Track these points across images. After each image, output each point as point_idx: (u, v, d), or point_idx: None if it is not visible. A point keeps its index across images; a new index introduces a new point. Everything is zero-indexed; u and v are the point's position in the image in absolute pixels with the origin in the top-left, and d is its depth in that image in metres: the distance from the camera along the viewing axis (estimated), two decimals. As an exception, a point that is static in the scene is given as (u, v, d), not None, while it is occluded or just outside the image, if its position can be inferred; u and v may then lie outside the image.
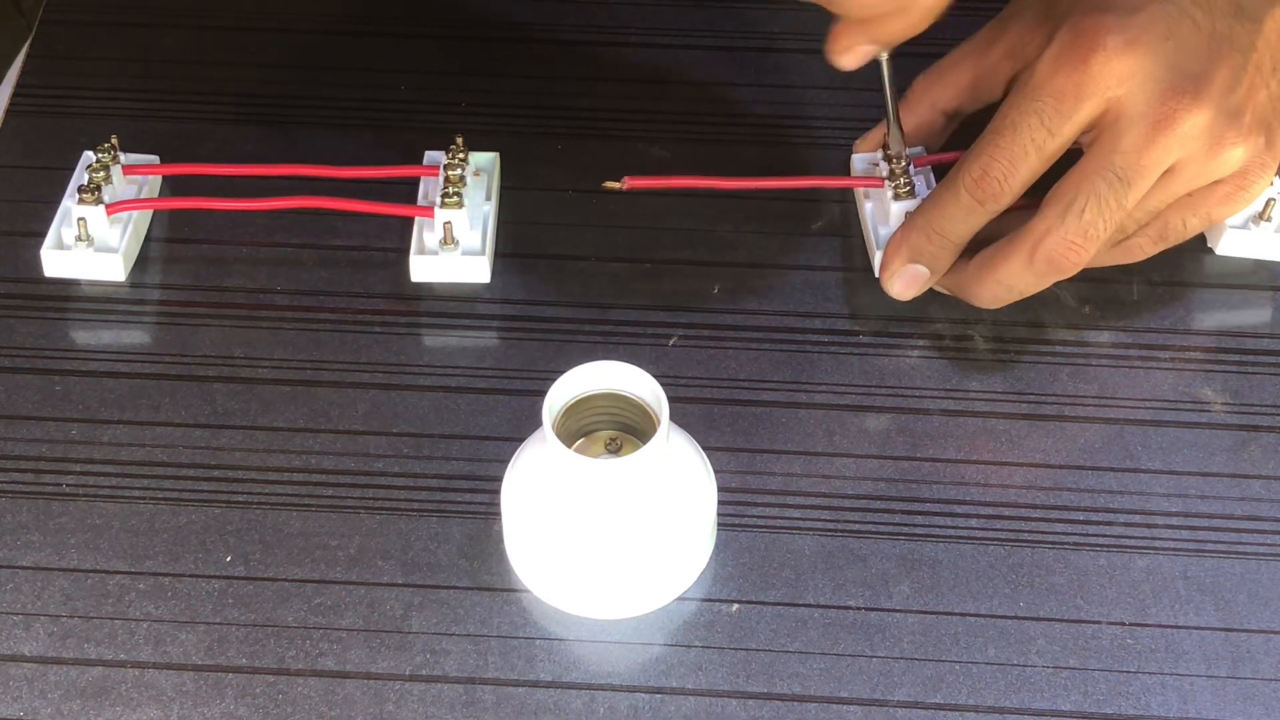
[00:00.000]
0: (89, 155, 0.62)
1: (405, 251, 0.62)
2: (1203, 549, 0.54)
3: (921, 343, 0.60)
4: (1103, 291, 0.61)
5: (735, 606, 0.53)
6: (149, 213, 0.63)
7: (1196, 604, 0.53)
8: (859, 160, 0.64)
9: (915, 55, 0.60)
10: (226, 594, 0.53)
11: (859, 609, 0.53)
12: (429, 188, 0.62)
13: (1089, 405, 0.58)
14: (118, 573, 0.53)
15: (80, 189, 0.60)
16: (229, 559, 0.54)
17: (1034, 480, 0.56)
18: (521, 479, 0.52)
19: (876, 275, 0.60)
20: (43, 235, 0.61)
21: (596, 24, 0.71)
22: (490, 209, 0.62)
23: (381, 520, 0.55)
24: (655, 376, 0.50)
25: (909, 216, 0.59)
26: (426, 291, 0.61)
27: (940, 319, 0.60)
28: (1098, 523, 0.55)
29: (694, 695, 0.51)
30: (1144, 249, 0.58)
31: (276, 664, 0.51)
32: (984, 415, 0.58)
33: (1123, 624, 0.52)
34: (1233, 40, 0.54)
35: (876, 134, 0.64)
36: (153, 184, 0.64)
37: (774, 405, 0.58)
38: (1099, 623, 0.53)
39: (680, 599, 0.53)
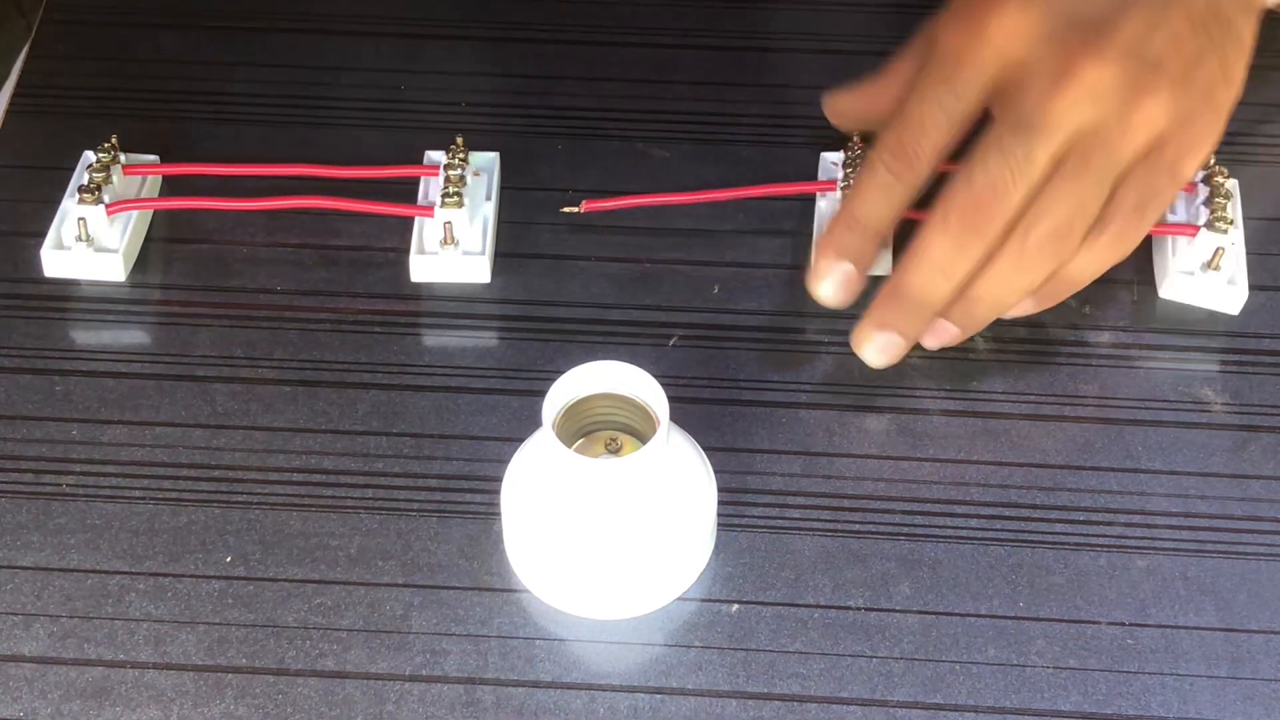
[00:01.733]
0: (89, 155, 0.62)
1: (405, 251, 0.62)
2: (1203, 549, 0.54)
3: (921, 343, 0.60)
4: (1103, 292, 0.61)
5: (735, 606, 0.53)
6: (149, 213, 0.63)
7: (1196, 604, 0.53)
8: (824, 159, 0.64)
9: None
10: (226, 594, 0.53)
11: (859, 609, 0.53)
12: (429, 187, 0.62)
13: (1089, 405, 0.58)
14: (118, 573, 0.53)
15: (80, 189, 0.60)
16: (229, 559, 0.54)
17: (1034, 480, 0.56)
18: (521, 479, 0.52)
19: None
20: (43, 235, 0.61)
21: (596, 24, 0.71)
22: (490, 209, 0.62)
23: (381, 520, 0.55)
24: (655, 376, 0.50)
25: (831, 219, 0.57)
26: (426, 291, 0.61)
27: (940, 319, 0.61)
28: (1098, 523, 0.55)
29: (694, 695, 0.51)
30: (1121, 237, 0.54)
31: (276, 664, 0.51)
32: (984, 415, 0.58)
33: (1123, 624, 0.52)
34: None
35: (853, 100, 0.62)
36: (153, 184, 0.64)
37: (774, 405, 0.58)
38: (1099, 623, 0.53)
39: (680, 599, 0.53)
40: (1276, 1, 0.57)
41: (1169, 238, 0.61)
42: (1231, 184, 0.61)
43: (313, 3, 0.72)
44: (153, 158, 0.63)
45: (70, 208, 0.60)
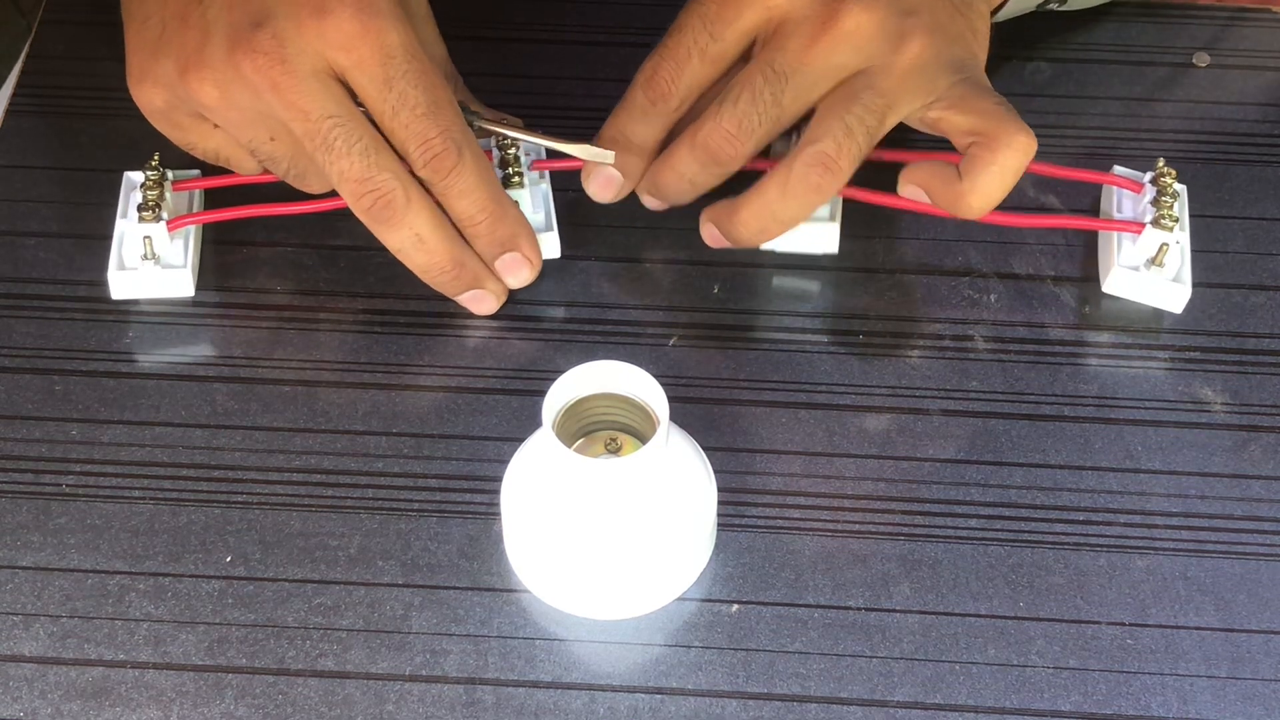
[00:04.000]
0: (134, 176, 0.61)
1: (405, 251, 0.62)
2: (1203, 549, 0.54)
3: (921, 343, 0.60)
4: (1102, 292, 0.61)
5: (735, 606, 0.53)
6: (201, 226, 0.62)
7: (1196, 604, 0.53)
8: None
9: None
10: (226, 594, 0.53)
11: (859, 609, 0.53)
12: None
13: (1089, 405, 0.58)
14: (118, 573, 0.53)
15: (139, 208, 0.59)
16: (229, 559, 0.54)
17: (1034, 480, 0.56)
18: (521, 479, 0.52)
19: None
20: (43, 235, 0.61)
21: (596, 24, 0.71)
22: (546, 185, 0.62)
23: (381, 520, 0.55)
24: (655, 376, 0.50)
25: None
26: (425, 291, 0.61)
27: (940, 319, 0.61)
28: (1098, 523, 0.55)
29: (694, 695, 0.51)
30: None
31: (276, 664, 0.51)
32: (984, 415, 0.58)
33: (1123, 624, 0.52)
34: None
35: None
36: (197, 197, 0.63)
37: (774, 405, 0.58)
38: (1099, 623, 0.53)
39: (680, 599, 0.53)
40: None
41: (1115, 234, 0.61)
42: (1179, 187, 0.61)
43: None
44: (195, 172, 0.63)
45: (128, 228, 0.60)
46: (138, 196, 0.60)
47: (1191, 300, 0.61)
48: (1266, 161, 0.66)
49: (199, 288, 0.61)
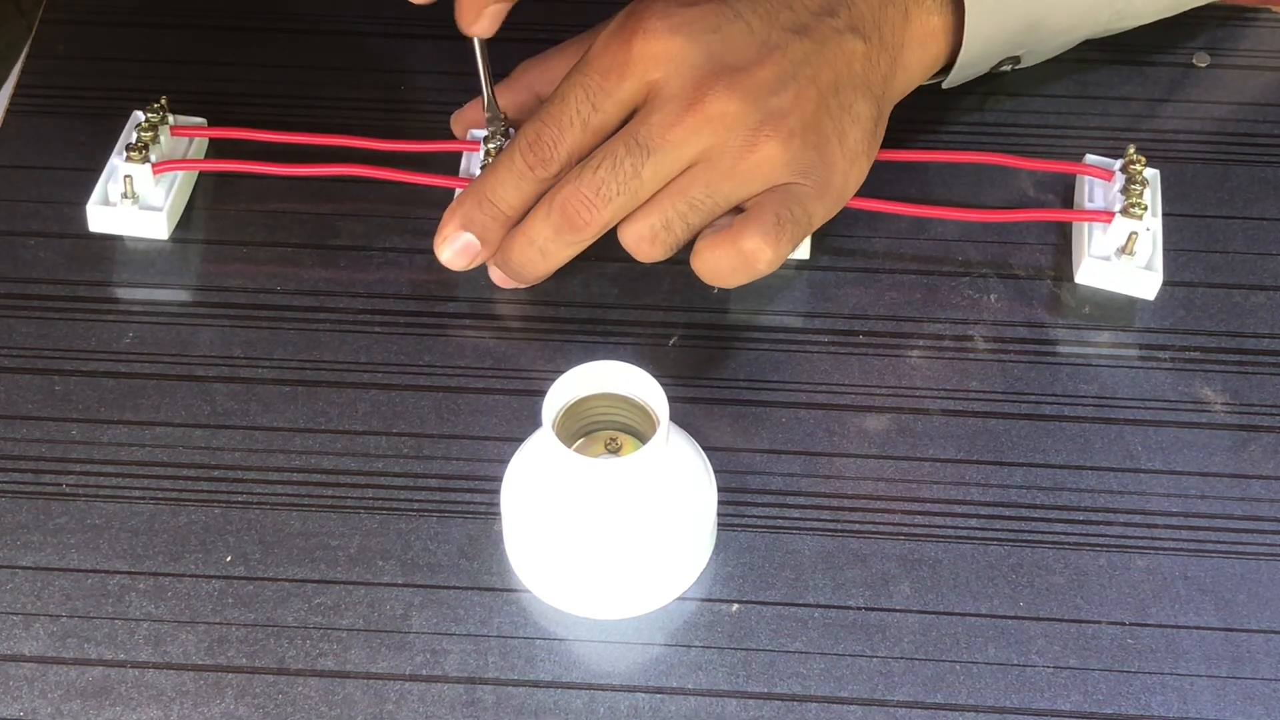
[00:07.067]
0: (138, 115, 0.63)
1: (406, 251, 0.62)
2: (1203, 549, 0.54)
3: (921, 343, 0.60)
4: (1102, 292, 0.61)
5: (735, 606, 0.53)
6: (194, 173, 0.63)
7: (1196, 604, 0.53)
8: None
9: (530, 41, 0.62)
10: (226, 594, 0.53)
11: (859, 609, 0.53)
12: (470, 162, 0.63)
13: (1089, 405, 0.58)
14: (118, 573, 0.53)
15: (128, 147, 0.61)
16: (229, 559, 0.54)
17: (1034, 480, 0.56)
18: (521, 479, 0.52)
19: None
20: (43, 235, 0.61)
21: (596, 24, 0.71)
22: None
23: (381, 520, 0.55)
24: (655, 376, 0.50)
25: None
26: (428, 291, 0.61)
27: (940, 319, 0.61)
28: (1098, 523, 0.55)
29: (694, 695, 0.51)
30: (674, 231, 0.56)
31: (276, 664, 0.51)
32: (984, 415, 0.58)
33: (1123, 624, 0.53)
34: (785, 51, 0.55)
35: (468, 111, 0.64)
36: (199, 146, 0.64)
37: (774, 405, 0.58)
38: (1099, 623, 0.53)
39: (680, 599, 0.53)
40: (903, 93, 0.60)
41: (1086, 225, 0.61)
42: (1150, 173, 0.61)
43: (312, 3, 0.72)
44: (200, 120, 0.64)
45: (118, 165, 0.61)
46: (134, 135, 0.61)
47: (1193, 300, 0.61)
48: (1266, 161, 0.66)
49: (201, 283, 0.61)
